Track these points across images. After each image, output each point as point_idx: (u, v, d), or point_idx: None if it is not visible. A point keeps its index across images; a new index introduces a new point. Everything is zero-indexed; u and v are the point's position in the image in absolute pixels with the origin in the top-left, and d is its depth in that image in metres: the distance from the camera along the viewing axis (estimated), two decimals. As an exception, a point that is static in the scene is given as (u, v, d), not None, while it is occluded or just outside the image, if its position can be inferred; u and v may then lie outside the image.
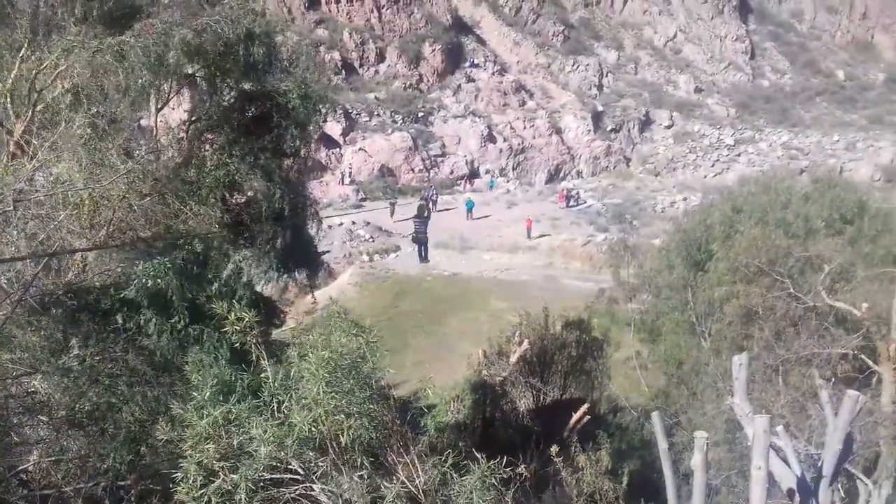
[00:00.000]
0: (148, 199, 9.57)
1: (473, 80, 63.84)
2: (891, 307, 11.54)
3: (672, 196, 56.26)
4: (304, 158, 13.37)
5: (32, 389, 7.87)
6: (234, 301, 7.44)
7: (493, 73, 64.83)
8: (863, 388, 11.00)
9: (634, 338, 20.93)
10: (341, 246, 40.34)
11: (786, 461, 7.83)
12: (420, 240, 37.44)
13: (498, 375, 15.58)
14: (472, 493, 6.31)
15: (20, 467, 7.85)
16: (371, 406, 6.67)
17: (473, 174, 57.52)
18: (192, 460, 6.29)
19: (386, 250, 41.03)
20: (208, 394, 6.69)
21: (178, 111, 12.56)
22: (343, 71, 57.38)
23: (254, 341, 7.00)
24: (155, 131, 11.63)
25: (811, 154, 63.76)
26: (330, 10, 60.65)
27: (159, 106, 11.63)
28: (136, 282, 8.65)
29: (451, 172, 56.21)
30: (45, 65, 9.88)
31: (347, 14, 60.95)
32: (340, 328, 6.90)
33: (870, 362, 11.79)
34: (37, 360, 7.82)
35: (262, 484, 6.31)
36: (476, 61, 65.52)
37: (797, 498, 7.58)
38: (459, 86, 62.93)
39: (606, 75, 72.33)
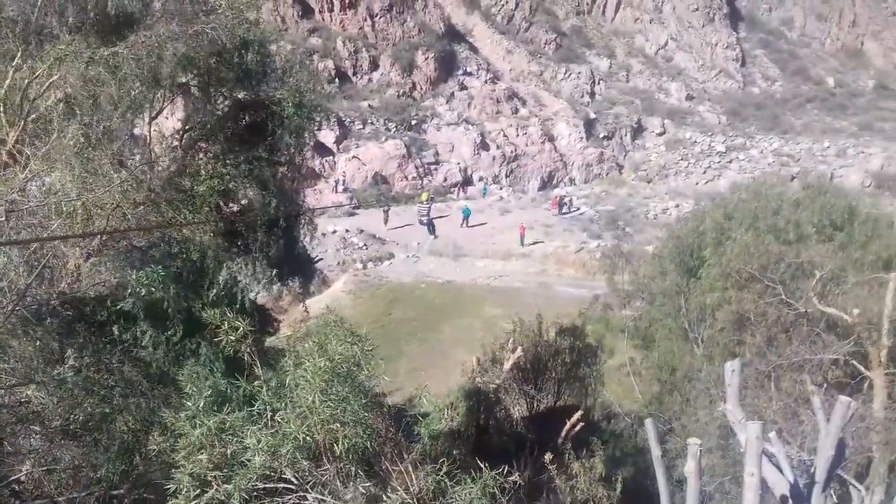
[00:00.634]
0: (142, 207, 9.58)
1: (466, 88, 64.04)
2: (881, 313, 11.63)
3: (664, 203, 56.46)
4: (298, 166, 13.40)
5: (26, 399, 7.84)
6: (228, 310, 7.43)
7: (485, 81, 65.03)
8: (854, 394, 11.06)
9: (628, 344, 20.98)
10: (335, 254, 40.32)
11: (779, 467, 7.86)
12: (426, 222, 45.10)
13: (492, 382, 15.60)
14: (471, 502, 6.30)
15: (12, 477, 7.81)
16: (366, 414, 6.67)
17: (467, 181, 57.61)
18: (186, 470, 6.27)
19: (380, 258, 41.02)
20: (202, 403, 6.67)
21: (171, 120, 12.56)
22: (336, 79, 57.44)
23: (248, 350, 6.99)
24: (148, 140, 11.62)
25: (802, 160, 64.13)
26: (323, 19, 60.75)
27: (153, 115, 11.62)
28: (131, 292, 8.64)
29: (445, 180, 56.28)
30: (37, 74, 9.88)
31: (341, 23, 61.07)
32: (336, 336, 6.90)
33: (861, 368, 11.86)
34: (31, 370, 7.80)
35: (255, 494, 6.29)
36: (469, 69, 65.71)
37: (790, 504, 7.60)
38: (452, 94, 63.10)
39: (598, 83, 72.63)
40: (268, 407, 6.73)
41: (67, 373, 7.92)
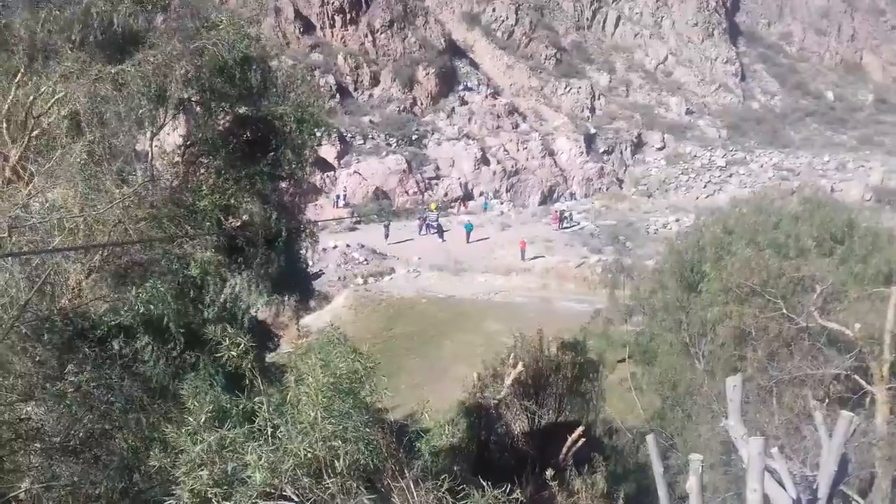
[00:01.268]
0: (143, 223, 9.60)
1: (467, 103, 64.28)
2: (883, 327, 11.61)
3: (665, 217, 56.53)
4: (299, 181, 13.42)
5: (26, 416, 7.82)
6: (230, 325, 7.44)
7: (486, 96, 65.30)
8: (856, 409, 11.03)
9: (629, 359, 20.94)
10: (336, 269, 40.29)
11: (781, 483, 7.81)
12: (435, 227, 48.70)
13: (493, 398, 15.55)
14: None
15: (11, 494, 7.78)
16: (368, 430, 6.65)
17: (468, 196, 57.72)
18: (186, 487, 6.25)
19: (381, 273, 41.01)
20: (203, 419, 6.66)
21: (173, 136, 12.60)
22: (338, 95, 57.67)
23: (249, 366, 6.98)
24: (150, 156, 11.65)
25: (802, 174, 64.24)
26: (325, 35, 61.13)
27: (155, 131, 11.67)
28: (130, 308, 8.64)
29: (446, 195, 56.38)
30: (42, 91, 9.94)
31: (342, 39, 61.45)
32: (338, 352, 6.90)
33: (863, 382, 11.84)
34: (31, 386, 7.79)
35: (256, 511, 6.26)
36: (470, 84, 66.01)
37: (793, 520, 7.55)
38: (453, 109, 63.33)
39: (599, 98, 72.91)
40: (269, 423, 6.71)
41: (67, 388, 7.91)
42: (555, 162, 63.16)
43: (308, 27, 60.33)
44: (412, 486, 6.66)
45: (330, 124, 14.18)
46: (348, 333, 8.30)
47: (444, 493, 6.51)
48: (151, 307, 8.64)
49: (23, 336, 7.75)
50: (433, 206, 52.58)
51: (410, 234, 47.62)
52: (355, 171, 53.58)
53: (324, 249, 40.59)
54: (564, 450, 14.33)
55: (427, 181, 56.49)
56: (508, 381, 16.04)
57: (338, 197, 51.52)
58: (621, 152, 68.45)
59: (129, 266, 9.39)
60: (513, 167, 60.45)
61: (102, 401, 8.15)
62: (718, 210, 25.26)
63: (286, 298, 13.51)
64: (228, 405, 6.96)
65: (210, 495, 6.22)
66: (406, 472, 6.98)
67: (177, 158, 11.94)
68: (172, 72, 9.90)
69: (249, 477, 6.28)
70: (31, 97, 9.87)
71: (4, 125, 10.10)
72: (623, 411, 19.62)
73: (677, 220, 53.44)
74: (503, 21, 73.61)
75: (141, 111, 9.89)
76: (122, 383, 8.34)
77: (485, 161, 59.62)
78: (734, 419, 8.24)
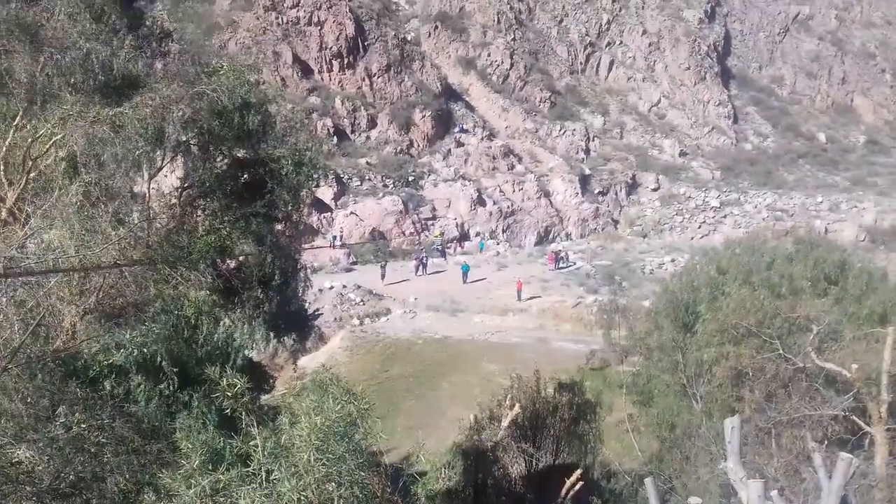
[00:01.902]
0: (139, 265, 9.60)
1: (463, 145, 64.93)
2: (880, 367, 11.60)
3: (660, 257, 56.63)
4: (295, 223, 13.50)
5: (17, 460, 7.71)
6: (225, 366, 7.40)
7: (482, 139, 66.02)
8: (855, 450, 10.95)
9: (626, 400, 20.80)
10: (332, 309, 40.19)
11: (781, 526, 7.72)
12: (440, 251, 53.06)
13: (489, 440, 15.39)
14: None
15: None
16: (362, 474, 6.58)
17: (464, 237, 57.95)
18: (178, 532, 6.16)
19: (377, 313, 40.89)
20: (197, 462, 6.59)
21: (170, 178, 12.70)
22: (335, 137, 58.28)
23: (244, 408, 6.93)
24: (147, 198, 11.73)
25: (796, 215, 64.75)
26: (322, 79, 62.01)
27: (152, 173, 11.76)
28: (123, 348, 8.60)
29: (442, 233, 56.65)
30: (40, 133, 10.03)
31: (340, 82, 62.32)
32: (332, 394, 6.86)
33: (861, 423, 11.77)
34: (22, 428, 7.70)
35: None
36: (465, 127, 66.76)
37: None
38: (449, 150, 63.96)
39: (593, 139, 73.78)
40: (262, 467, 6.64)
41: (58, 430, 7.83)
42: (550, 203, 63.58)
43: (306, 71, 61.23)
44: (407, 530, 6.56)
45: (327, 167, 14.32)
46: (344, 374, 8.26)
47: (439, 537, 6.41)
48: (145, 350, 8.61)
49: (14, 377, 7.69)
50: (438, 232, 55.94)
51: (407, 274, 47.63)
52: (352, 212, 53.85)
53: (320, 290, 40.56)
54: (562, 493, 14.14)
55: (423, 222, 56.77)
56: (505, 423, 15.90)
57: (334, 237, 51.67)
58: (616, 193, 68.98)
59: (123, 307, 9.37)
60: (508, 208, 60.82)
61: (94, 442, 8.05)
62: (712, 250, 25.39)
63: (282, 339, 13.48)
64: (221, 446, 6.89)
65: (202, 541, 6.13)
66: (401, 516, 6.89)
67: (174, 200, 12.01)
68: (170, 114, 10.03)
69: (242, 521, 6.19)
70: (29, 140, 9.95)
71: (2, 167, 10.17)
72: (621, 453, 19.41)
73: (672, 261, 53.56)
74: (498, 65, 74.84)
75: (138, 153, 9.98)
76: (113, 424, 8.25)
77: (481, 202, 60.01)
78: (733, 461, 8.18)
